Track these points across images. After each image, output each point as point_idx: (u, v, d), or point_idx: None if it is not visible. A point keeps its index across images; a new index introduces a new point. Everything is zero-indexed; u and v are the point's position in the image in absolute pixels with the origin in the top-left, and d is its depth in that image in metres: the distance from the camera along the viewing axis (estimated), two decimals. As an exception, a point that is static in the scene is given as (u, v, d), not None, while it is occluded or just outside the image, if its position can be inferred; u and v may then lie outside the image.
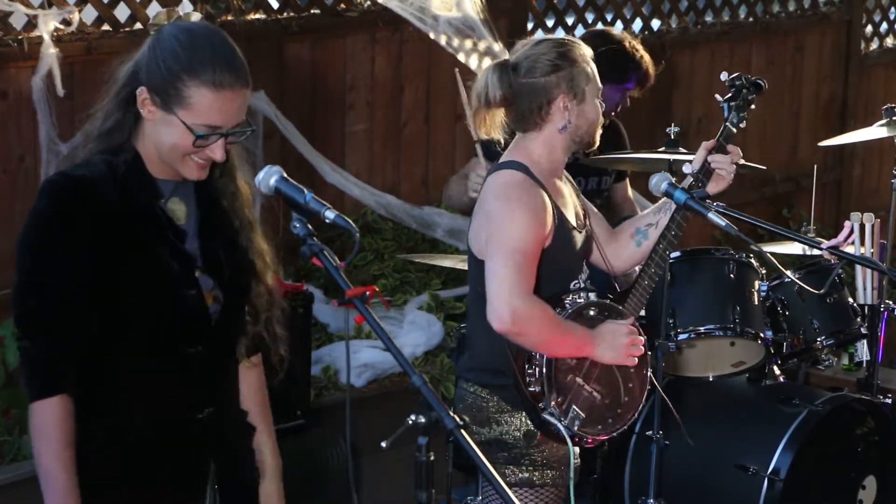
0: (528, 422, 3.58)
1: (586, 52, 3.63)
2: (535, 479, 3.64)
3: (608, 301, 3.66)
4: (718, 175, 3.75)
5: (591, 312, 3.60)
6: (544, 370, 3.50)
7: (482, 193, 3.69)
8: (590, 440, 3.61)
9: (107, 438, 2.74)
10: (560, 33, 6.90)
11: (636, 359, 3.60)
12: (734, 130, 3.82)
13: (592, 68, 3.63)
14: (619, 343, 3.56)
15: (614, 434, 3.68)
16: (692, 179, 3.72)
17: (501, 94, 3.58)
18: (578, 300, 3.60)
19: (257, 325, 2.97)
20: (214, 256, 2.84)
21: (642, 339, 3.62)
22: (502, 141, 3.70)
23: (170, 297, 2.76)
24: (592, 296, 3.62)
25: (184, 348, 2.80)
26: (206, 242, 2.84)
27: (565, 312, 3.56)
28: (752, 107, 3.88)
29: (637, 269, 3.83)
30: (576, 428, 3.52)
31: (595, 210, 3.91)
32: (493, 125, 3.66)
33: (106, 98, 2.76)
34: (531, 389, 3.52)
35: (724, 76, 3.87)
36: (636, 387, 3.69)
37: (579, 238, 3.69)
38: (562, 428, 3.46)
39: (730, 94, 3.85)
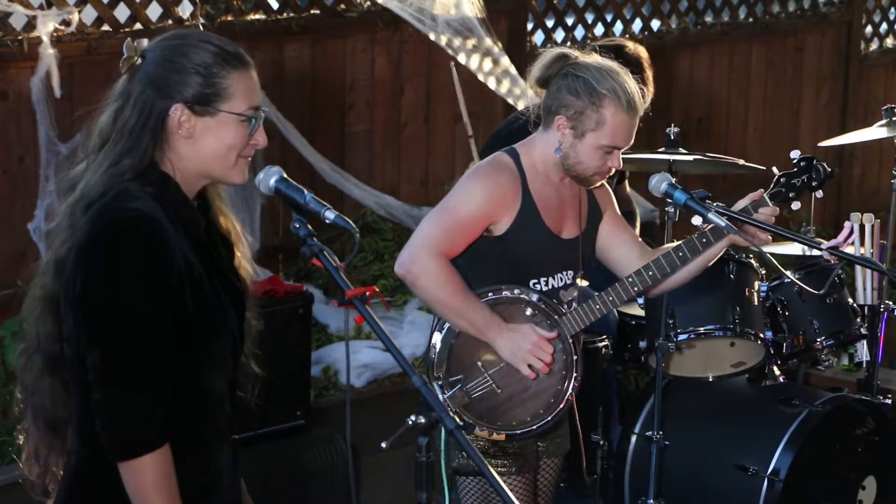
0: None
1: (625, 104, 3.54)
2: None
3: (545, 307, 3.63)
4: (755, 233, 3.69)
5: (528, 312, 3.62)
6: (442, 341, 3.58)
7: None
8: (484, 428, 3.58)
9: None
10: (560, 34, 6.91)
11: (531, 372, 3.57)
12: (769, 203, 3.71)
13: (615, 122, 3.54)
14: (520, 346, 3.56)
15: (501, 434, 3.62)
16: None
17: (539, 77, 3.62)
18: (518, 294, 3.61)
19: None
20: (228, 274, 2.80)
21: (549, 357, 3.57)
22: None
23: (227, 329, 2.71)
24: (534, 297, 3.62)
25: (231, 379, 2.76)
26: (219, 259, 2.77)
27: (490, 297, 3.58)
28: (819, 194, 3.80)
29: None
30: (455, 407, 3.54)
31: (625, 227, 3.84)
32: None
33: (109, 145, 2.62)
34: (430, 356, 3.60)
35: (794, 154, 3.79)
36: (555, 402, 3.66)
37: (554, 244, 3.67)
38: (441, 398, 3.50)
39: (791, 171, 3.77)
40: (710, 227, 3.63)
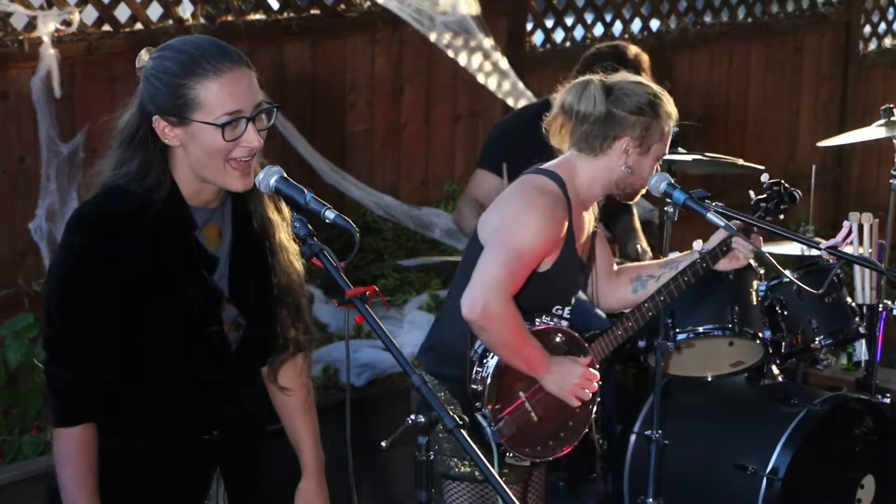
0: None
1: (673, 113, 3.66)
2: (477, 474, 3.67)
3: (576, 334, 3.69)
4: (735, 255, 3.76)
5: (557, 339, 3.65)
6: (490, 374, 3.57)
7: (508, 188, 3.75)
8: (513, 455, 3.64)
9: (111, 454, 2.77)
10: (559, 34, 6.91)
11: (578, 401, 3.64)
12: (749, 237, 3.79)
13: (669, 131, 3.66)
14: (568, 381, 3.60)
15: (537, 460, 3.71)
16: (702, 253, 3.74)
17: (594, 110, 3.60)
18: (549, 321, 3.65)
19: (286, 351, 2.99)
20: (243, 284, 2.85)
21: (595, 386, 3.65)
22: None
23: (193, 333, 2.78)
24: (564, 324, 3.67)
25: (202, 377, 2.83)
26: (236, 267, 2.84)
27: (531, 327, 3.60)
28: (782, 217, 3.87)
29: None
30: (502, 438, 3.57)
31: (605, 242, 3.92)
32: (564, 137, 3.69)
33: (115, 148, 2.75)
34: (473, 388, 3.60)
35: (764, 178, 3.83)
36: (576, 426, 3.74)
37: (580, 270, 3.74)
38: (489, 432, 3.45)
39: (764, 196, 3.84)
40: (707, 252, 3.72)
